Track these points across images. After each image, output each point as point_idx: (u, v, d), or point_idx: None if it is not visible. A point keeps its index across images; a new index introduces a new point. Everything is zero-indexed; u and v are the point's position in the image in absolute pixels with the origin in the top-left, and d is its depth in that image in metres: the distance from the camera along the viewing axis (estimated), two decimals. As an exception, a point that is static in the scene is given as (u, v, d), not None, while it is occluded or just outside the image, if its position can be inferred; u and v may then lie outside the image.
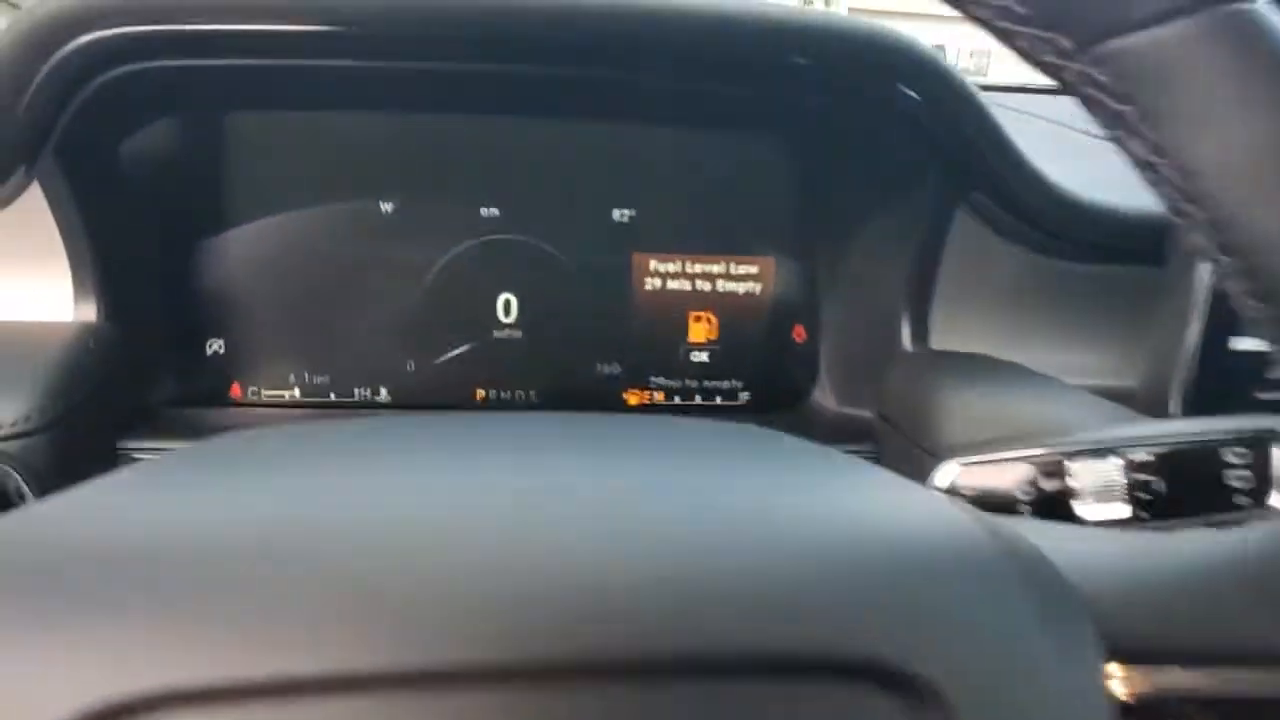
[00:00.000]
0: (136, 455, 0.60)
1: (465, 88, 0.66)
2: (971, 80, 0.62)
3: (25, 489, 0.48)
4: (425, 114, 0.70)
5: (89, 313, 0.63)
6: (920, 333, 0.68)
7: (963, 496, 0.47)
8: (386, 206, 0.73)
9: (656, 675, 0.22)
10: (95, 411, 0.57)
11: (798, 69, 0.61)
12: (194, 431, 0.67)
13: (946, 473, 0.49)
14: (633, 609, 0.22)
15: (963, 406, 0.55)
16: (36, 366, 0.54)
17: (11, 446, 0.50)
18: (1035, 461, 0.45)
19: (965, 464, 0.48)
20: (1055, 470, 0.45)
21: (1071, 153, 0.67)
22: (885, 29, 0.60)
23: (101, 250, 0.63)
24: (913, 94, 0.60)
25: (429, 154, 0.72)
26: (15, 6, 1.18)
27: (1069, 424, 0.48)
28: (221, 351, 0.73)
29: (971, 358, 0.62)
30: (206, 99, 0.66)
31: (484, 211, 0.74)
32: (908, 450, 0.59)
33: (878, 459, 0.64)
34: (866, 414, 0.72)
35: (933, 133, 0.61)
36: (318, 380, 0.74)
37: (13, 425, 0.51)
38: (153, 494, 0.27)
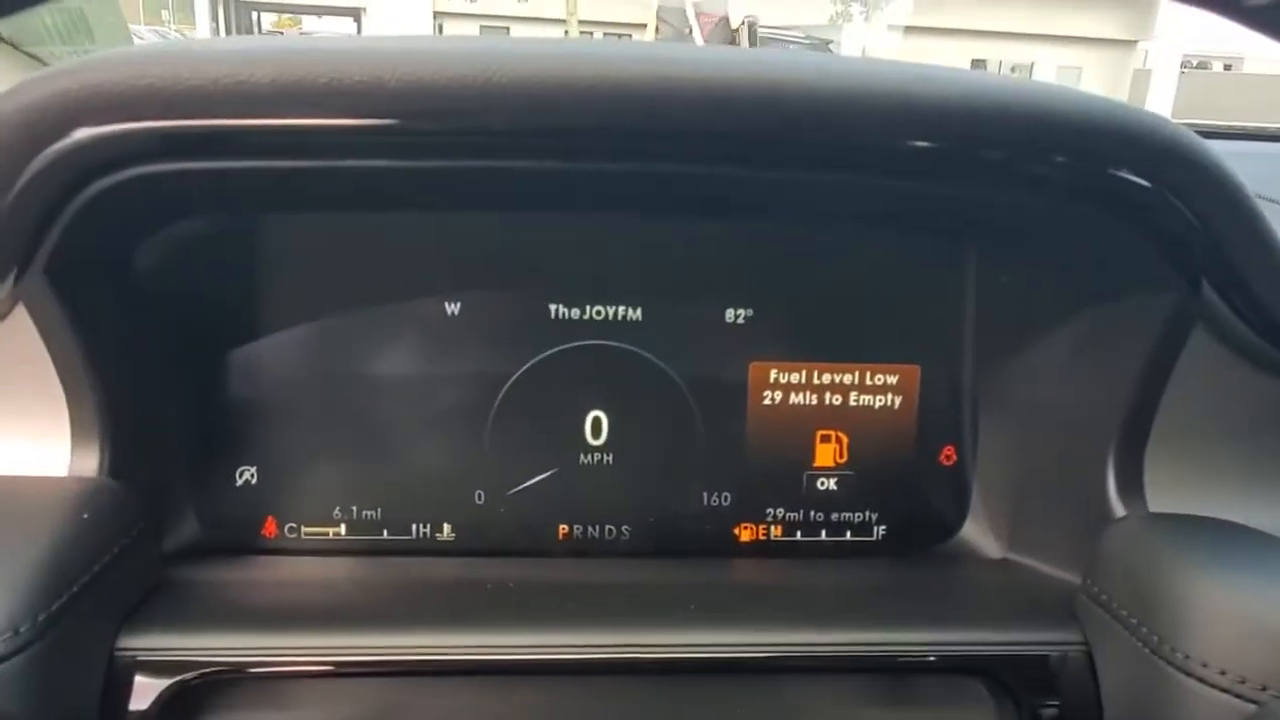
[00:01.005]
0: (141, 659, 0.46)
1: (550, 184, 0.52)
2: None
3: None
4: (498, 210, 0.57)
5: (89, 463, 0.50)
6: (1132, 482, 0.53)
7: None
8: (452, 308, 0.60)
9: None
10: (91, 606, 0.44)
11: (983, 163, 0.48)
12: (214, 592, 0.54)
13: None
14: None
15: (1250, 618, 0.41)
16: (17, 555, 0.42)
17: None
18: None
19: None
20: None
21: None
22: (1104, 104, 0.47)
23: (105, 381, 0.50)
24: (1142, 181, 0.46)
25: (504, 245, 0.59)
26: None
27: None
28: (253, 481, 0.60)
29: (1235, 531, 0.48)
30: (230, 200, 0.53)
31: (555, 311, 0.60)
32: (1140, 654, 0.45)
33: (1088, 650, 0.50)
34: (1046, 570, 0.58)
35: (1168, 230, 0.48)
36: (367, 515, 0.61)
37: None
38: None
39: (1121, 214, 0.48)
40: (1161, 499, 0.53)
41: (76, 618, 0.43)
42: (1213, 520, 0.49)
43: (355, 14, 17.34)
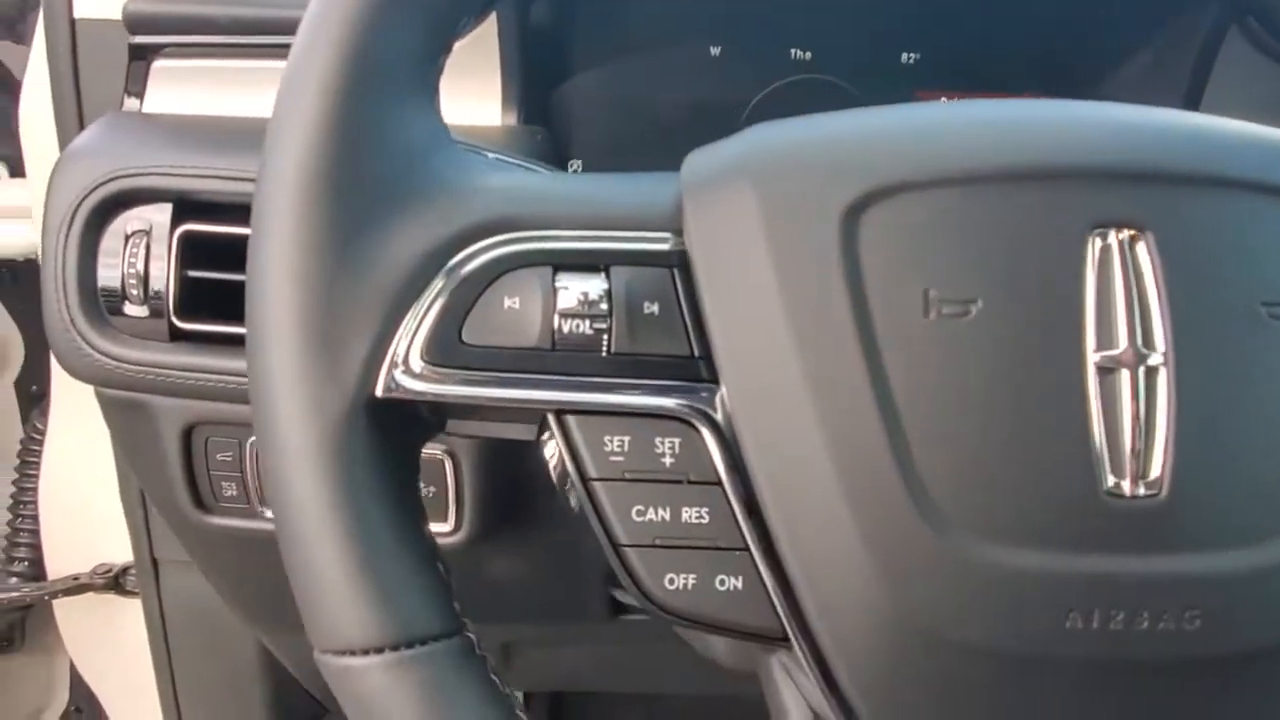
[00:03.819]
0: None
1: None
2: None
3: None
4: None
5: (512, 120, 0.79)
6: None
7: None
8: (715, 50, 0.88)
9: None
10: None
11: None
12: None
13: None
14: None
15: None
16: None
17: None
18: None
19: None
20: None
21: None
22: None
23: (520, 69, 0.79)
24: None
25: (757, 5, 0.87)
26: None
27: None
28: (580, 169, 0.90)
29: None
30: None
31: (794, 54, 0.88)
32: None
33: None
34: None
35: None
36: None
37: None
38: None
39: None
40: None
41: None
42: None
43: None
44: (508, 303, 0.38)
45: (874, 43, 0.88)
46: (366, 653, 0.35)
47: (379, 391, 0.37)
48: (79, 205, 0.70)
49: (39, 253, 1.04)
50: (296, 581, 0.36)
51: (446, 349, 0.38)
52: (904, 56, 0.89)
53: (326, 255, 0.37)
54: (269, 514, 0.76)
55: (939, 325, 0.35)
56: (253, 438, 0.73)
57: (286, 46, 0.79)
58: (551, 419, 0.38)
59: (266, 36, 0.79)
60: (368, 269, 0.37)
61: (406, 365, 0.37)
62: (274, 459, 0.36)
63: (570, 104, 0.88)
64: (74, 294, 0.70)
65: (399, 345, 0.37)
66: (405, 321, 0.38)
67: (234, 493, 0.76)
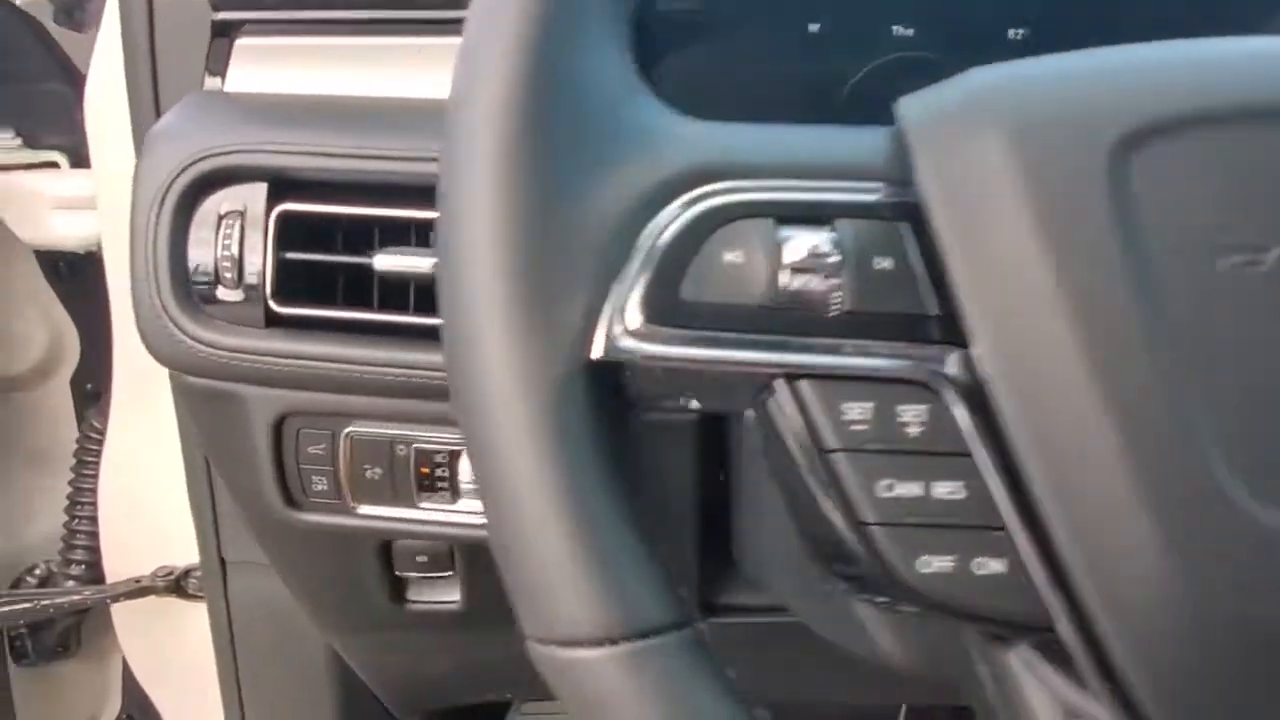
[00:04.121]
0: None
1: None
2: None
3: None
4: None
5: None
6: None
7: None
8: (814, 27, 0.85)
9: None
10: None
11: None
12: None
13: None
14: None
15: None
16: None
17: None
18: None
19: None
20: None
21: None
22: None
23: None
24: None
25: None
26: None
27: None
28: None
29: None
30: None
31: (895, 31, 0.85)
32: None
33: None
34: None
35: None
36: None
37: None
38: None
39: None
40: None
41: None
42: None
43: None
44: (728, 256, 0.35)
45: (978, 18, 0.85)
46: (599, 644, 0.31)
47: (598, 353, 0.33)
48: (169, 186, 0.66)
49: (100, 244, 1.01)
50: (510, 567, 0.33)
51: (667, 306, 0.34)
52: (1010, 33, 0.85)
53: (532, 209, 0.33)
54: (361, 510, 0.72)
55: (1229, 276, 0.32)
56: (347, 429, 0.69)
57: (377, 22, 0.77)
58: (782, 384, 0.35)
59: (355, 11, 0.75)
60: (577, 221, 0.34)
61: (625, 324, 0.34)
62: (485, 437, 0.32)
63: (666, 81, 0.84)
64: (165, 279, 0.66)
65: (615, 303, 0.34)
66: (621, 277, 0.34)
67: (324, 487, 0.72)
